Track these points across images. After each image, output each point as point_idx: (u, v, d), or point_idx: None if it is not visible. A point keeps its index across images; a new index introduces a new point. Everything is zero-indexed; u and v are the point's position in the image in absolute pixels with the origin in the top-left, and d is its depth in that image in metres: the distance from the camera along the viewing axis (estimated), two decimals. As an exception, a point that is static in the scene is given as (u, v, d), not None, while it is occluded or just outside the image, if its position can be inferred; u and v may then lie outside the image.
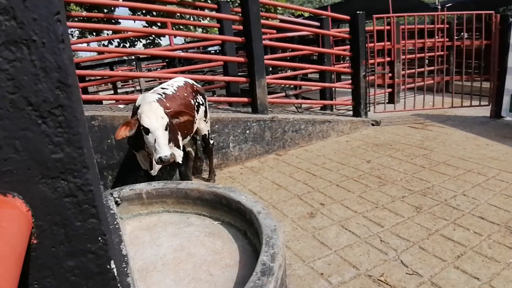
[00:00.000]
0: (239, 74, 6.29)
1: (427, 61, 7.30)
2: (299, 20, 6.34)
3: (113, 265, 0.87)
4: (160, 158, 2.56)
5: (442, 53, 6.54)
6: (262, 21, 4.94)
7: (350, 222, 2.92)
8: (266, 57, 5.21)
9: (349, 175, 3.90)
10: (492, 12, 5.83)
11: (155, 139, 2.59)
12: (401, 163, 4.12)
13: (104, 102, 6.01)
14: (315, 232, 2.81)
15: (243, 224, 1.92)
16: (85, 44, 6.30)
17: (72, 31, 9.68)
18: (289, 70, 7.59)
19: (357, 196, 3.38)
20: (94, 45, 8.89)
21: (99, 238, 0.84)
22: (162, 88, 3.34)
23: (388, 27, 6.45)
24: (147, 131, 2.61)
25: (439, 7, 10.93)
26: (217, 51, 12.43)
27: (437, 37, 6.78)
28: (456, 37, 6.88)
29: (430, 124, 5.74)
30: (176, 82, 3.58)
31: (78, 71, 4.19)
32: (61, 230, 0.80)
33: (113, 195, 2.13)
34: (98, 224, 0.83)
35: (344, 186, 3.62)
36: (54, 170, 0.77)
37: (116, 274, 0.88)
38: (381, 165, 4.12)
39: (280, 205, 3.33)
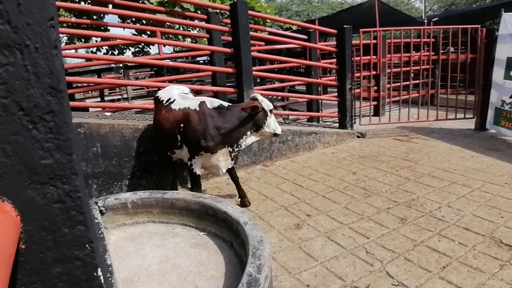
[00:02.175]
0: (228, 84, 6.31)
1: (412, 74, 7.46)
2: (287, 33, 6.42)
3: (100, 273, 0.86)
4: (277, 133, 3.35)
5: (427, 66, 6.69)
6: (251, 33, 5.00)
7: (336, 233, 2.93)
8: (254, 68, 5.26)
9: (335, 186, 3.93)
10: (478, 26, 6.00)
11: (273, 120, 3.28)
12: (386, 175, 4.17)
13: (90, 109, 5.95)
14: (301, 243, 2.81)
15: (230, 235, 1.91)
16: (73, 51, 6.25)
17: (60, 37, 9.58)
18: (277, 82, 7.66)
19: (343, 208, 3.40)
20: (82, 51, 8.82)
21: (87, 245, 0.83)
22: None
23: (375, 41, 6.58)
24: (271, 112, 3.26)
25: (426, 21, 11.23)
26: (206, 61, 12.48)
27: (423, 51, 6.94)
28: (442, 51, 7.07)
29: (415, 137, 5.84)
30: None
31: (66, 78, 4.15)
32: (49, 236, 0.79)
33: (98, 204, 2.10)
34: (86, 231, 0.83)
35: (330, 197, 3.64)
36: (44, 176, 0.76)
37: (103, 282, 0.87)
38: (367, 176, 4.17)
39: (266, 216, 3.33)
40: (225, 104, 3.30)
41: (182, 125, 3.18)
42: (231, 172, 3.52)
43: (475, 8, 18.74)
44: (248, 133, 3.27)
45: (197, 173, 3.32)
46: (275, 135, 3.39)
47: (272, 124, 3.30)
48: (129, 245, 1.93)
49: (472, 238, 2.73)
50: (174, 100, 3.36)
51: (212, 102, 3.24)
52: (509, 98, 5.21)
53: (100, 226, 1.84)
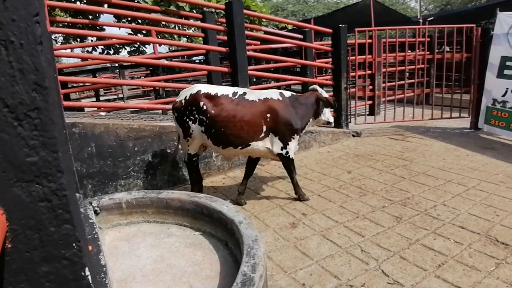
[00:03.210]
0: (223, 83, 6.31)
1: (407, 74, 7.48)
2: (283, 32, 6.42)
3: (87, 272, 0.85)
4: (330, 122, 3.78)
5: (422, 66, 6.71)
6: (247, 32, 4.99)
7: (331, 232, 2.93)
8: (250, 67, 5.25)
9: (331, 185, 3.93)
10: (473, 25, 6.02)
11: (328, 110, 3.68)
12: (381, 174, 4.18)
13: (86, 109, 5.93)
14: (296, 242, 2.81)
15: (224, 235, 1.90)
16: (68, 50, 6.23)
17: (56, 37, 9.56)
18: (273, 81, 7.65)
19: (338, 206, 3.40)
20: (78, 51, 8.79)
21: (74, 244, 0.82)
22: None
23: (370, 41, 6.60)
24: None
25: (421, 20, 11.25)
26: (202, 60, 12.46)
27: (418, 50, 6.96)
28: (437, 50, 7.09)
29: (410, 136, 5.86)
30: None
31: (60, 77, 4.12)
32: (36, 235, 0.78)
33: (92, 204, 2.09)
34: (73, 230, 0.81)
35: (326, 196, 3.64)
36: (29, 174, 0.75)
37: (91, 282, 0.86)
38: (362, 175, 4.17)
39: (262, 215, 3.32)
40: (293, 94, 3.61)
41: (268, 115, 3.30)
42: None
43: (470, 7, 18.83)
44: (311, 119, 3.63)
45: (292, 158, 3.51)
46: (328, 123, 3.79)
47: (327, 113, 3.71)
48: (124, 245, 1.92)
49: (467, 236, 2.74)
50: (244, 92, 3.39)
51: (285, 92, 3.53)
52: (501, 97, 5.23)
53: (95, 226, 1.82)
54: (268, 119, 3.30)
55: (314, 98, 3.55)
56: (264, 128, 3.31)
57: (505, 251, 2.51)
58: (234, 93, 3.35)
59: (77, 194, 2.11)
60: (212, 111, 3.24)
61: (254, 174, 4.43)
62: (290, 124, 3.34)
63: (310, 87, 3.75)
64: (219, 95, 3.30)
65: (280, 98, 3.38)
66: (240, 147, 3.34)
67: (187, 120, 3.31)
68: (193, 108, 3.28)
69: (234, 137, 3.28)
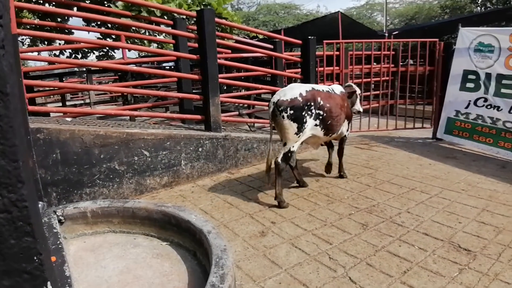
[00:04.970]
0: (193, 91, 6.26)
1: (373, 85, 7.72)
2: (254, 41, 6.47)
3: (50, 287, 0.81)
4: (361, 111, 4.63)
5: (387, 78, 6.94)
6: (218, 40, 5.00)
7: (300, 240, 2.95)
8: (220, 75, 5.25)
9: (299, 193, 3.97)
10: (436, 40, 6.31)
11: (359, 101, 4.51)
12: (348, 182, 4.27)
13: (51, 114, 5.71)
14: (266, 251, 2.81)
15: (193, 245, 1.88)
16: (35, 53, 6.00)
17: (23, 39, 9.20)
18: (243, 90, 7.68)
19: (306, 214, 3.44)
20: (45, 54, 8.47)
21: (35, 258, 0.78)
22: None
23: (337, 53, 6.76)
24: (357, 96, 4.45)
25: (387, 34, 11.68)
26: (172, 67, 12.34)
27: (383, 63, 7.20)
28: (401, 63, 7.36)
29: (375, 145, 6.03)
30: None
31: (26, 81, 3.96)
32: (-6, 248, 0.74)
33: (57, 213, 2.02)
34: (34, 242, 0.78)
35: (295, 204, 3.67)
36: (-13, 184, 0.71)
37: (53, 296, 0.82)
38: (329, 183, 4.25)
39: (231, 224, 3.31)
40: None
41: (346, 104, 4.11)
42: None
43: (434, 22, 19.75)
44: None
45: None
46: (359, 112, 4.59)
47: (358, 104, 4.51)
48: (89, 255, 1.86)
49: (431, 243, 2.83)
50: (331, 88, 4.10)
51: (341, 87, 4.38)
52: (464, 109, 5.49)
53: (59, 236, 1.76)
54: (345, 108, 4.08)
55: (350, 92, 4.29)
56: (344, 115, 4.04)
57: (468, 257, 2.61)
58: (328, 89, 4.03)
59: (41, 202, 2.03)
60: (327, 105, 3.77)
61: (223, 183, 4.41)
62: (351, 111, 4.31)
63: (347, 84, 4.54)
64: (325, 91, 3.88)
65: (344, 91, 4.21)
66: (336, 133, 4.04)
67: (305, 115, 3.61)
68: (311, 103, 3.64)
69: (337, 125, 3.96)
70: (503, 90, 4.97)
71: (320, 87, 3.91)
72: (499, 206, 3.44)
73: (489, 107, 5.15)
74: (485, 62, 5.19)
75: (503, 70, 4.95)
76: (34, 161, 2.96)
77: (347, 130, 4.30)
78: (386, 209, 3.48)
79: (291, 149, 3.69)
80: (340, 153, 4.42)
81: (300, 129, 3.60)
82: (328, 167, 4.55)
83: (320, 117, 3.72)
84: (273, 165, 3.73)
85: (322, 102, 3.71)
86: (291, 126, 3.58)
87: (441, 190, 3.90)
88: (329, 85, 4.39)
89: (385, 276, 2.42)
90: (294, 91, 3.63)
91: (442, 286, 2.29)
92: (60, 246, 1.61)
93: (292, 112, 3.54)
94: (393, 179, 4.30)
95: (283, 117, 3.55)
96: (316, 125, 3.73)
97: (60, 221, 1.99)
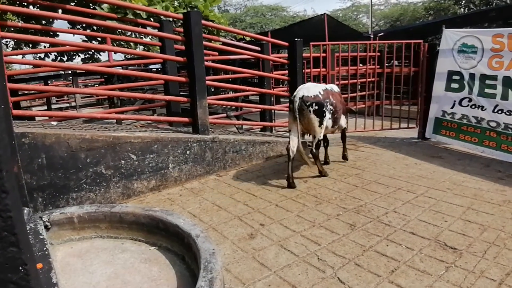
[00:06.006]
0: (181, 93, 6.24)
1: (359, 86, 7.80)
2: (241, 44, 6.48)
3: (36, 295, 0.80)
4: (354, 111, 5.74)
5: (373, 79, 7.03)
6: (205, 42, 4.99)
7: (289, 241, 2.96)
8: (208, 78, 5.24)
9: (288, 195, 3.99)
10: (421, 41, 6.40)
11: None
12: (336, 182, 4.30)
13: (36, 118, 5.62)
14: (255, 253, 2.81)
15: (181, 249, 1.88)
16: (20, 56, 5.90)
17: (7, 42, 9.05)
18: (231, 92, 7.67)
19: (295, 216, 3.45)
20: (29, 57, 8.35)
21: (20, 268, 0.77)
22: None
23: (324, 54, 6.81)
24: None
25: (372, 36, 11.81)
26: (159, 69, 12.26)
27: (369, 64, 7.28)
28: (386, 65, 7.45)
29: (361, 145, 6.09)
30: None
31: (10, 85, 3.89)
32: (-23, 258, 0.73)
33: (43, 218, 1.99)
34: (19, 253, 0.77)
35: (283, 206, 3.69)
36: (-30, 192, 0.70)
37: (39, 305, 0.81)
38: (317, 184, 4.27)
39: (220, 227, 3.30)
40: None
41: (343, 100, 4.85)
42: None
43: (418, 24, 20.08)
44: None
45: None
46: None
47: None
48: (76, 261, 1.84)
49: (418, 242, 2.86)
50: (330, 87, 4.70)
51: None
52: (450, 109, 5.58)
53: (45, 242, 1.73)
54: (343, 104, 4.78)
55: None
56: (343, 109, 4.74)
57: (454, 255, 2.65)
58: (331, 88, 4.66)
59: (26, 208, 2.00)
60: (334, 101, 4.45)
61: (212, 185, 4.40)
62: (346, 106, 5.00)
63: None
64: (329, 89, 4.51)
65: (339, 90, 4.94)
66: (337, 125, 4.70)
67: (325, 110, 4.24)
68: (327, 100, 4.31)
69: (340, 118, 4.67)
70: (486, 90, 5.07)
71: (328, 86, 4.60)
72: (483, 204, 3.51)
73: (473, 106, 5.25)
74: (469, 62, 5.29)
75: (486, 70, 5.05)
76: (19, 166, 2.91)
77: (346, 123, 5.03)
78: (373, 209, 3.52)
79: (320, 138, 4.39)
80: (343, 138, 5.19)
81: (321, 122, 4.24)
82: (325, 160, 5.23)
83: (331, 111, 4.39)
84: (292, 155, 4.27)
85: (332, 99, 4.41)
86: (316, 120, 4.20)
87: (427, 189, 3.95)
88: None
89: (373, 276, 2.44)
90: (315, 88, 4.27)
91: (429, 285, 2.32)
92: (46, 252, 1.59)
93: (317, 107, 4.16)
94: (380, 179, 4.35)
95: (309, 111, 4.16)
96: (329, 118, 4.38)
97: (46, 227, 1.96)
